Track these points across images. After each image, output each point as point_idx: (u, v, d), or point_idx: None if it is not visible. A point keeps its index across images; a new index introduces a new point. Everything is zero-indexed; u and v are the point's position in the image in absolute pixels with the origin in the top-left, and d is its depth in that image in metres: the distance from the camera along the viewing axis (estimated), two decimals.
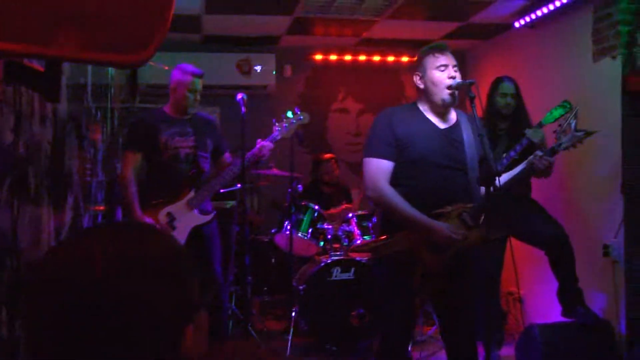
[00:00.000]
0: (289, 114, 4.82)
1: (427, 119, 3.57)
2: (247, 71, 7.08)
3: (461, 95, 3.61)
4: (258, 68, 7.11)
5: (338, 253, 5.77)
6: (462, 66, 7.74)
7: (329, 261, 5.57)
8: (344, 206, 6.43)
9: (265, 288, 6.55)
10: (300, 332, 5.63)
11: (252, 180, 6.45)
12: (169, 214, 4.54)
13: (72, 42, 1.91)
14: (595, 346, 4.66)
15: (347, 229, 5.83)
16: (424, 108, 3.60)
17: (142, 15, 2.04)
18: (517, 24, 6.41)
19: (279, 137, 4.75)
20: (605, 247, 5.21)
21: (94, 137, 4.65)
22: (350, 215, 5.92)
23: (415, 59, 3.68)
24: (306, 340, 5.63)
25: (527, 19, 6.21)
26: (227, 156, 4.91)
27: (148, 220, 4.48)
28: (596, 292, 5.16)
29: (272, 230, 6.15)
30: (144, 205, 4.50)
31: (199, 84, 4.65)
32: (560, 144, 3.73)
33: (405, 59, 7.78)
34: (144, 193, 4.55)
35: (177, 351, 1.01)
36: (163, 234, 1.10)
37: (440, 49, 3.60)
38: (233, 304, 5.89)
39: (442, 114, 3.60)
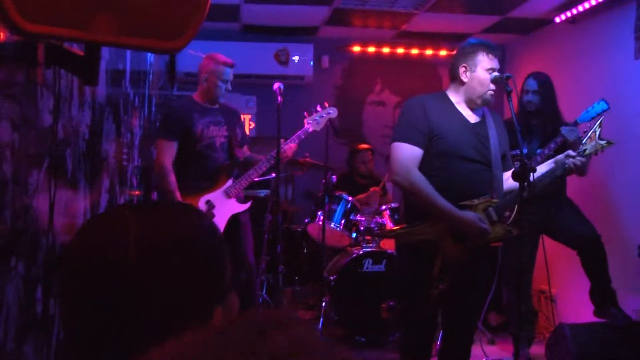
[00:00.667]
0: (319, 108, 4.87)
1: (459, 111, 3.56)
2: (285, 61, 7.10)
3: (499, 88, 3.59)
4: (296, 58, 7.12)
5: (370, 245, 5.76)
6: (500, 61, 7.73)
7: (360, 252, 5.57)
8: (372, 189, 6.37)
9: (297, 277, 6.59)
10: (330, 322, 5.64)
11: (287, 170, 6.48)
12: (208, 202, 4.59)
13: (110, 27, 1.94)
14: (627, 348, 4.59)
15: (380, 221, 5.82)
16: (456, 100, 3.58)
17: (180, 2, 2.07)
18: (557, 19, 6.33)
19: (310, 130, 4.78)
20: None
21: (131, 122, 4.72)
22: (384, 207, 5.91)
23: (462, 49, 3.63)
24: (336, 331, 5.64)
25: (568, 14, 6.12)
26: (246, 148, 4.96)
27: None
28: (630, 294, 5.09)
29: (305, 220, 6.17)
30: (182, 192, 4.56)
31: (230, 74, 4.69)
32: (585, 150, 3.70)
33: (443, 52, 7.73)
34: (180, 181, 4.60)
35: None
36: (195, 213, 1.09)
37: (496, 52, 3.58)
38: (264, 292, 5.92)
39: (473, 109, 3.59)
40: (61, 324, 2.74)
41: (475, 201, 3.41)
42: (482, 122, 3.60)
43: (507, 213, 4.89)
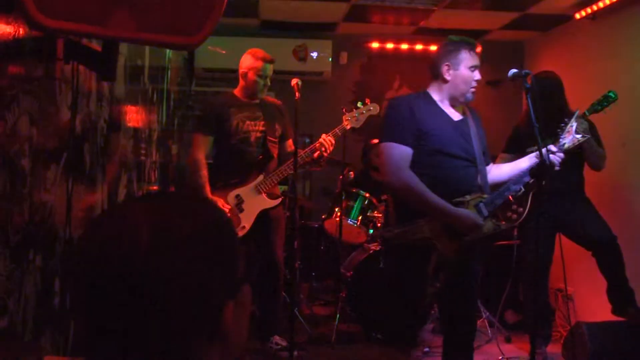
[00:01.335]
0: (359, 104, 4.82)
1: (442, 110, 3.58)
2: (304, 57, 7.10)
3: (517, 85, 3.59)
4: (314, 54, 7.13)
5: None
6: (519, 57, 7.71)
7: (377, 249, 5.56)
8: None
9: (314, 273, 6.60)
10: (347, 318, 5.64)
11: (304, 166, 6.48)
12: (237, 197, 4.61)
13: (128, 23, 1.95)
14: None
15: None
16: (438, 98, 3.60)
17: None
18: (577, 15, 6.28)
19: (348, 128, 4.75)
20: None
21: (150, 118, 4.74)
22: None
23: (445, 46, 3.62)
24: (352, 327, 5.65)
25: (588, 10, 6.07)
26: (290, 143, 4.96)
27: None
28: None
29: (322, 217, 6.18)
30: (213, 187, 4.58)
31: (270, 69, 4.71)
32: (564, 144, 3.69)
33: None
34: (213, 175, 4.63)
35: (216, 325, 1.00)
36: (209, 205, 1.08)
37: (476, 49, 3.60)
38: None
39: (455, 107, 3.61)
40: (73, 318, 2.77)
41: (468, 197, 3.43)
42: (465, 120, 3.63)
43: (521, 209, 4.89)
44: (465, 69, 3.54)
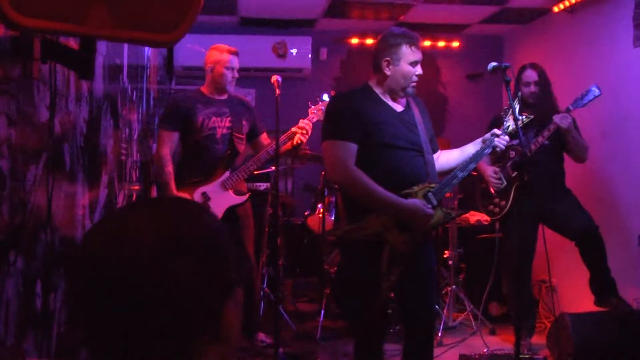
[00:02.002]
0: (325, 97, 4.84)
1: (385, 102, 3.55)
2: (283, 54, 7.08)
3: (497, 78, 3.59)
4: (294, 51, 7.11)
5: None
6: (498, 51, 7.74)
7: None
8: None
9: (297, 270, 6.59)
10: (332, 314, 5.65)
11: (286, 163, 6.48)
12: (204, 194, 4.58)
13: (105, 21, 1.93)
14: (628, 337, 4.60)
15: None
16: (379, 91, 3.57)
17: None
18: (555, 9, 6.31)
19: (315, 120, 4.77)
20: None
21: (130, 117, 4.71)
22: None
23: (385, 40, 3.56)
24: (337, 323, 5.65)
25: (566, 3, 6.11)
26: (264, 137, 4.95)
27: None
28: (631, 283, 5.09)
29: (305, 213, 6.17)
30: (179, 185, 4.55)
31: (236, 61, 4.70)
32: (508, 127, 3.70)
33: (441, 43, 7.71)
34: (179, 172, 4.60)
35: (217, 326, 1.02)
36: (204, 209, 1.10)
37: (417, 44, 3.54)
38: (265, 285, 5.93)
39: (396, 99, 3.60)
40: (72, 319, 2.75)
41: (415, 188, 3.41)
42: (407, 110, 3.61)
43: (504, 202, 4.92)
44: (405, 65, 3.49)
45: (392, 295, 3.70)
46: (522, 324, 4.94)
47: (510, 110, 3.68)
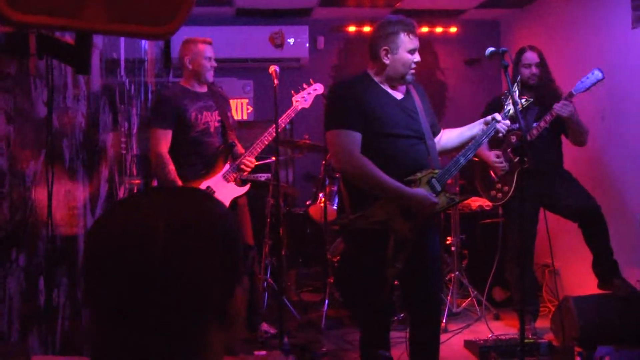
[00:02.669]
0: (305, 85, 4.90)
1: (385, 90, 3.55)
2: (280, 44, 7.06)
3: (495, 63, 3.57)
4: (291, 40, 7.09)
5: None
6: (496, 36, 7.71)
7: None
8: None
9: (300, 260, 6.59)
10: (335, 304, 5.65)
11: (286, 153, 6.48)
12: (208, 188, 4.58)
13: (100, 15, 1.92)
14: (632, 318, 4.60)
15: None
16: (379, 80, 3.56)
17: None
18: None
19: (299, 108, 4.81)
20: None
21: (129, 111, 4.70)
22: None
23: (382, 29, 3.53)
24: (341, 311, 5.65)
25: None
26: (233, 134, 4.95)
27: None
28: (633, 264, 5.10)
29: (307, 203, 6.17)
30: (183, 181, 4.54)
31: (211, 50, 4.71)
32: (509, 111, 3.69)
33: (439, 29, 7.69)
34: (179, 169, 4.59)
35: (228, 311, 1.04)
36: (214, 198, 1.12)
37: (415, 31, 3.53)
38: (268, 275, 5.93)
39: (396, 87, 3.59)
40: (86, 306, 2.74)
41: (418, 175, 3.42)
42: (407, 97, 3.61)
43: (506, 188, 4.92)
44: (404, 53, 3.48)
45: (397, 282, 3.70)
46: (526, 309, 4.94)
47: (509, 94, 3.67)
